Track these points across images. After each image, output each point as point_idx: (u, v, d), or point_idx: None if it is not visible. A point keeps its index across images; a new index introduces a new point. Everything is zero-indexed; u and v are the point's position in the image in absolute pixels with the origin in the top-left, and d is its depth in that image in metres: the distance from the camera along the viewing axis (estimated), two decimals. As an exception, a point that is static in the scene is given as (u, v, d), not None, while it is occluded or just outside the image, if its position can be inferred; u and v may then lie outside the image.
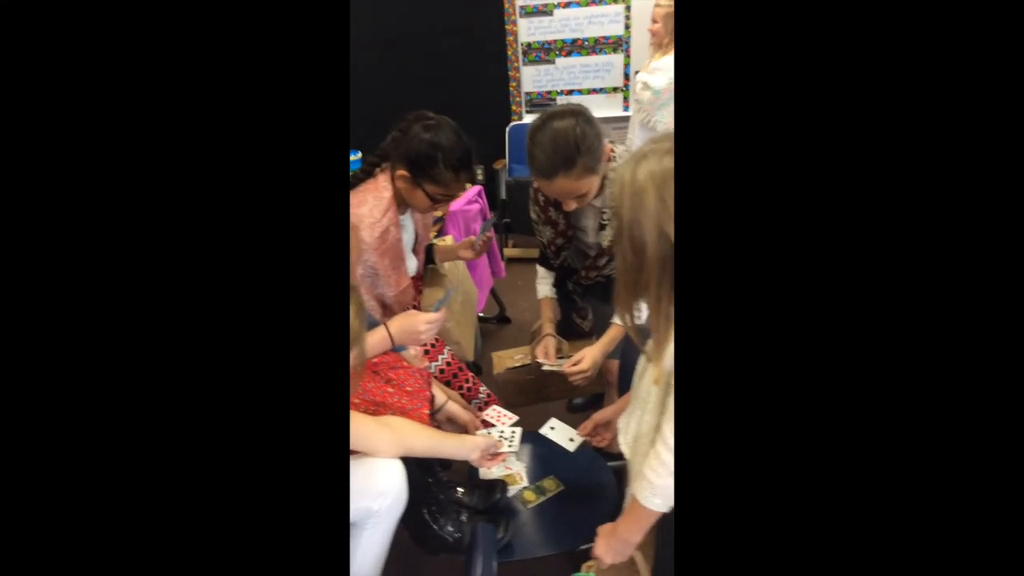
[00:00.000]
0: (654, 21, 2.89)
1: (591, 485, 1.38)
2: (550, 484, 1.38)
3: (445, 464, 1.41)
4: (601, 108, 3.54)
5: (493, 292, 2.83)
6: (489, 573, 0.84)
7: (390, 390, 1.13)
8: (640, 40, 3.33)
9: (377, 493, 0.95)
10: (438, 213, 2.32)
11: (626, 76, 3.46)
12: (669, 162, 0.77)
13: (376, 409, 1.10)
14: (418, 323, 1.13)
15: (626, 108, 3.55)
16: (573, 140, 1.19)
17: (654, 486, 0.87)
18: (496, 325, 2.89)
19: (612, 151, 1.34)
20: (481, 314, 2.92)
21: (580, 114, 1.23)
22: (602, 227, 1.37)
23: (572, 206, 1.30)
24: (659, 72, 2.85)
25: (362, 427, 0.97)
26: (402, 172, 1.27)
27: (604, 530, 0.99)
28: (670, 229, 0.76)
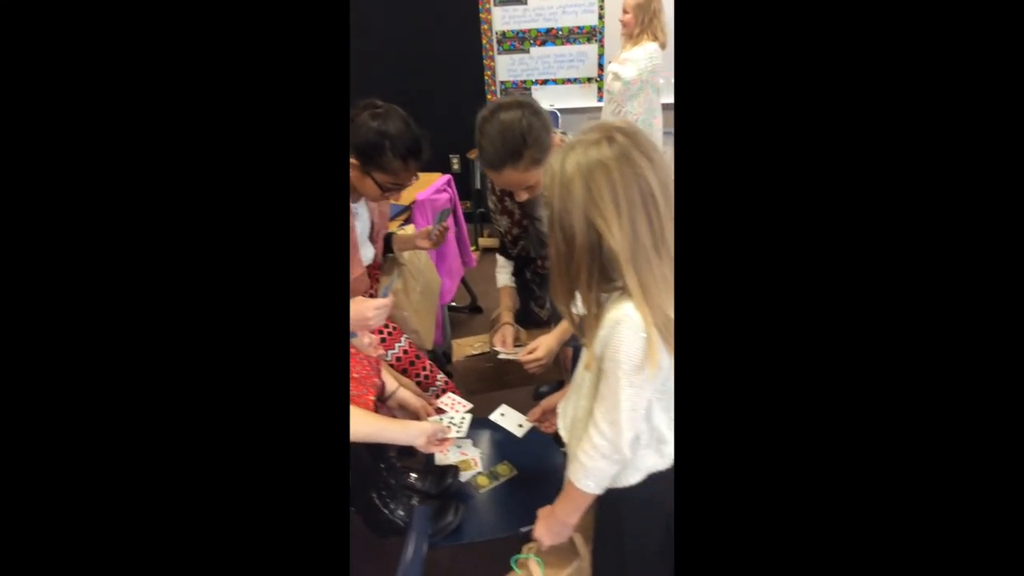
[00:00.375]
0: (625, 11, 2.90)
1: (544, 470, 1.40)
2: (504, 469, 1.40)
3: (407, 451, 1.43)
4: (575, 98, 3.55)
5: (464, 282, 2.84)
6: (419, 553, 0.86)
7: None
8: (614, 30, 3.34)
9: None
10: (400, 202, 2.32)
11: (600, 66, 3.47)
12: (595, 153, 0.79)
13: None
14: (366, 309, 1.14)
15: (600, 99, 3.56)
16: (520, 132, 1.20)
17: (586, 468, 0.90)
18: (468, 315, 2.90)
19: (562, 143, 1.35)
20: (453, 303, 2.94)
21: (527, 106, 1.24)
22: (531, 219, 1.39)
23: (523, 197, 1.32)
24: (629, 63, 2.86)
25: None
26: (352, 161, 1.27)
27: (543, 512, 1.01)
28: (596, 218, 0.78)
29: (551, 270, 0.88)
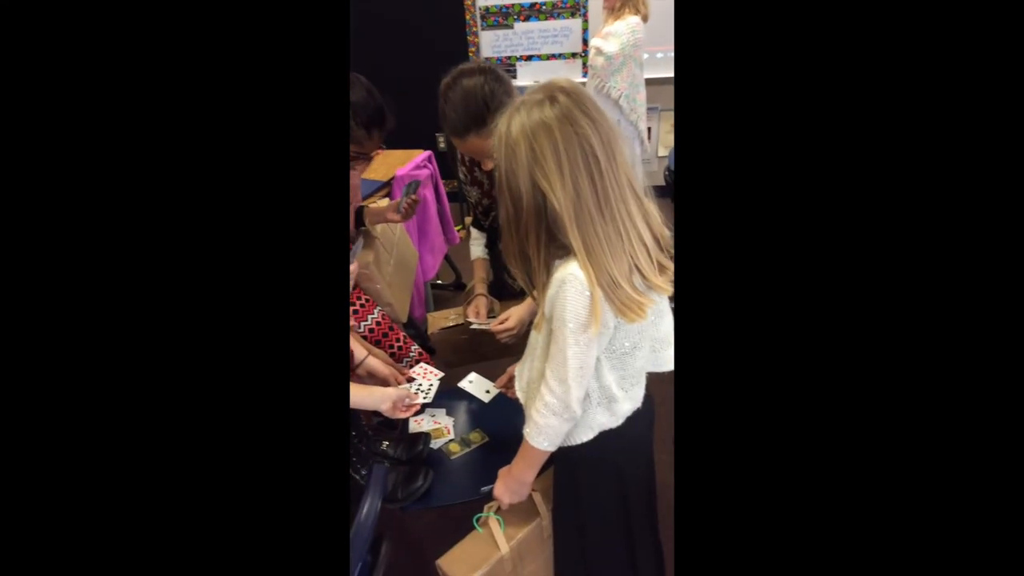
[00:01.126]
0: (607, -16, 2.88)
1: (514, 435, 1.43)
2: (475, 436, 1.43)
3: (388, 423, 1.46)
4: (560, 74, 3.52)
5: (448, 259, 2.85)
6: (373, 510, 0.89)
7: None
8: (597, 4, 3.31)
9: None
10: (379, 177, 2.32)
11: (584, 41, 3.44)
12: (537, 114, 0.80)
13: None
14: None
15: (585, 74, 3.54)
16: (482, 98, 1.20)
17: (539, 426, 0.92)
18: (452, 292, 2.92)
19: None
20: (438, 281, 2.96)
21: (489, 71, 1.24)
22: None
23: (489, 166, 1.32)
24: (612, 37, 2.85)
25: None
26: None
27: (502, 472, 1.04)
28: (540, 179, 0.79)
29: (502, 233, 0.90)
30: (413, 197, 1.52)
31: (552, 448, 0.95)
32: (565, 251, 0.85)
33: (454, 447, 1.40)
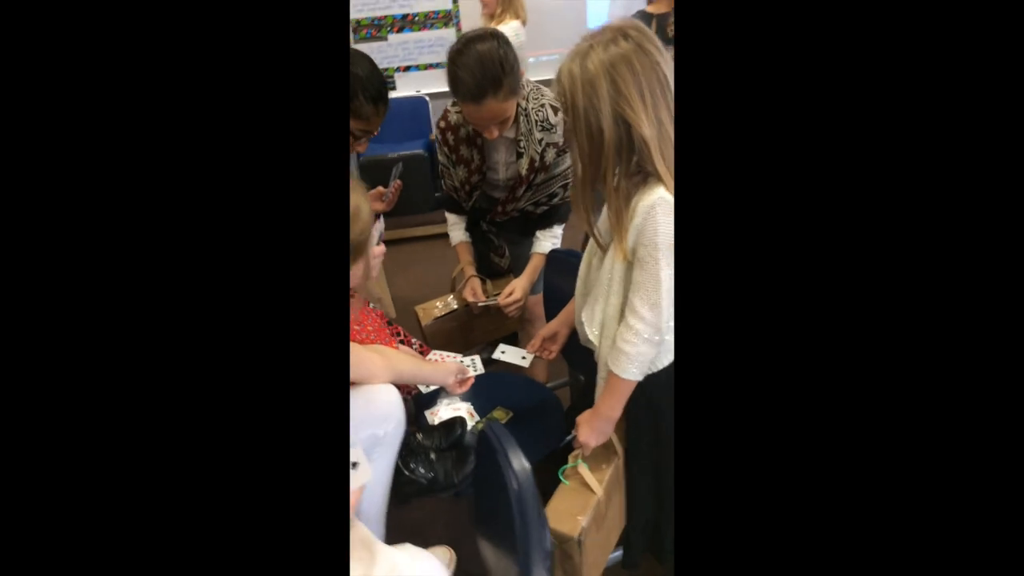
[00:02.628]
0: (485, -9, 3.00)
1: (537, 405, 1.45)
2: (500, 414, 1.42)
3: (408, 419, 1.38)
4: (440, 83, 3.56)
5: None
6: (521, 464, 0.85)
7: (356, 328, 1.08)
8: (468, 12, 3.42)
9: (381, 419, 0.92)
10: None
11: (460, 50, 3.54)
12: (615, 49, 0.85)
13: None
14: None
15: (464, 82, 3.64)
16: (498, 61, 1.21)
17: (629, 356, 0.96)
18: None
19: (524, 75, 1.40)
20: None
21: (498, 36, 1.26)
22: (519, 156, 1.43)
23: (495, 134, 1.33)
24: (497, 40, 2.98)
25: (356, 354, 0.93)
26: None
27: (583, 418, 1.06)
28: (625, 110, 0.85)
29: (572, 180, 0.93)
30: (398, 183, 1.47)
31: (641, 376, 0.99)
32: (643, 181, 0.91)
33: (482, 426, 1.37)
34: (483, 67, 1.21)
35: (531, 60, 3.08)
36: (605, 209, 0.98)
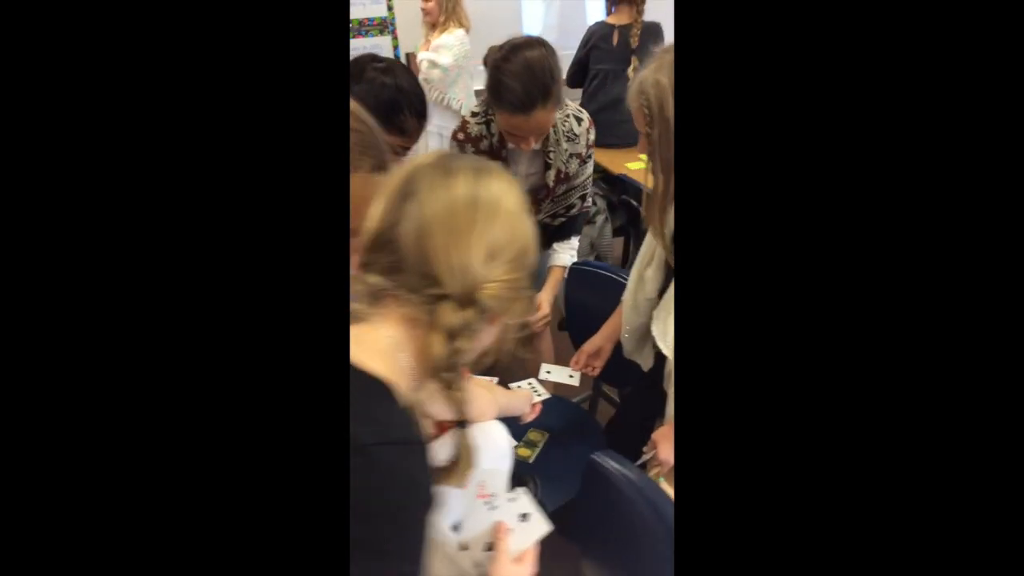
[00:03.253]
0: (426, 0, 2.94)
1: (570, 424, 1.46)
2: (535, 436, 1.42)
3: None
4: (377, 93, 3.48)
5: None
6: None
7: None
8: (405, 20, 3.35)
9: (501, 454, 0.90)
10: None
11: (396, 57, 3.45)
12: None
13: None
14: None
15: (402, 90, 3.55)
16: (548, 69, 1.17)
17: None
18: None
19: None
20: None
21: (544, 43, 1.22)
22: (547, 167, 1.41)
23: (531, 145, 1.29)
24: (443, 49, 2.92)
25: (471, 391, 0.90)
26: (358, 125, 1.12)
27: (662, 433, 1.08)
28: None
29: (651, 195, 0.94)
30: None
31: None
32: None
33: (523, 451, 1.36)
34: (533, 75, 1.16)
35: (480, 68, 3.06)
36: (671, 221, 0.99)
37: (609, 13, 2.63)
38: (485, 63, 1.24)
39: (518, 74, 1.16)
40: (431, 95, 3.02)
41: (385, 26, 3.36)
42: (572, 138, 1.41)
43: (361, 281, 0.59)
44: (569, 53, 3.13)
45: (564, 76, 1.32)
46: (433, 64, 2.91)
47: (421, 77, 3.07)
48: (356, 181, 0.75)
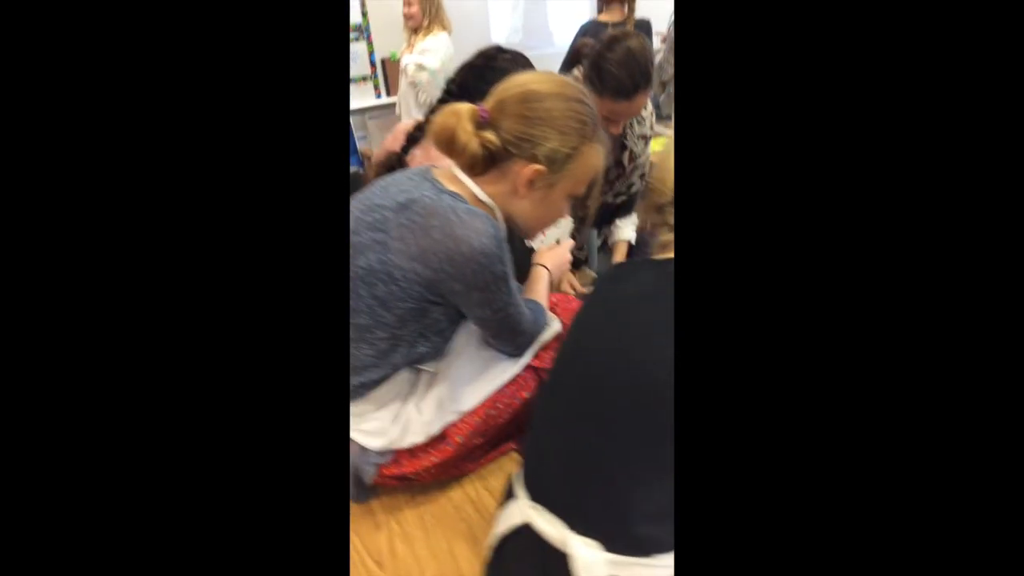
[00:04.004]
0: (409, 3, 2.99)
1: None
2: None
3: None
4: (352, 98, 3.47)
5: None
6: None
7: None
8: (380, 26, 3.38)
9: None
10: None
11: (372, 64, 3.47)
12: None
13: None
14: (565, 252, 1.19)
15: (378, 96, 3.57)
16: (647, 56, 1.27)
17: None
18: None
19: None
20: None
21: (639, 34, 1.33)
22: (623, 148, 1.54)
23: (620, 129, 1.41)
24: (429, 53, 2.99)
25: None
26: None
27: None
28: None
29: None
30: None
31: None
32: None
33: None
34: (637, 63, 1.26)
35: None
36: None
37: (600, 11, 2.80)
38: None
39: (623, 62, 1.27)
40: (419, 98, 3.08)
41: (360, 32, 3.39)
42: (640, 120, 1.56)
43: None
44: (536, 54, 3.28)
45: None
46: (421, 67, 2.97)
47: (408, 81, 3.12)
48: (594, 151, 0.90)
